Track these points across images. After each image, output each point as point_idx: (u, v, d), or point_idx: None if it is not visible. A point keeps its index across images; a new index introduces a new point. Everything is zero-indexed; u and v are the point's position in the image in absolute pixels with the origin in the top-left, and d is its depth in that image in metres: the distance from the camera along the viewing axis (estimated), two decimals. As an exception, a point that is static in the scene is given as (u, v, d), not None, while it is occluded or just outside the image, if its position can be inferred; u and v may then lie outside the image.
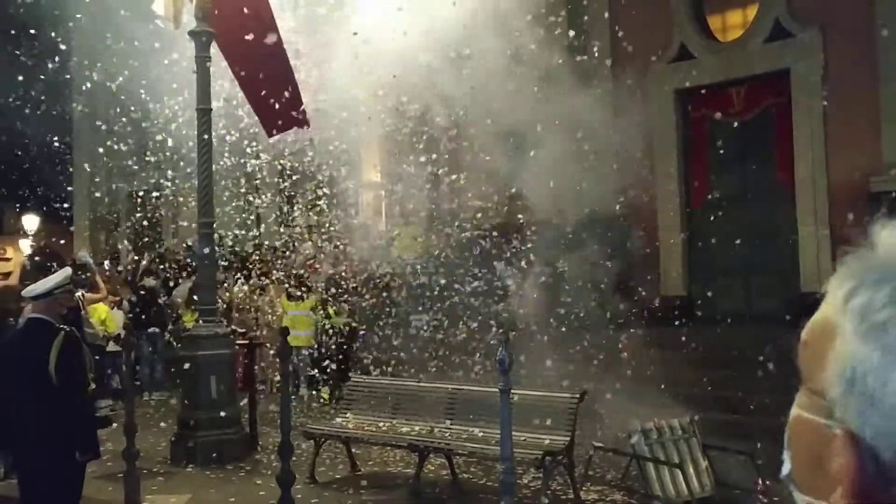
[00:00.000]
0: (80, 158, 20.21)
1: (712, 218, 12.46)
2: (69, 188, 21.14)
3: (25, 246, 24.94)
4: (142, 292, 12.37)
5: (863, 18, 10.97)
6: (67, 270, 5.48)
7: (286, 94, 8.86)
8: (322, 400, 11.59)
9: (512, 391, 6.87)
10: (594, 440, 8.06)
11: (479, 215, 14.19)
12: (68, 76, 15.55)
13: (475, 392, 7.05)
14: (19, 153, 20.80)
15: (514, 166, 13.98)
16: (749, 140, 12.21)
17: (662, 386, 9.82)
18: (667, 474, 6.28)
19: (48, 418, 4.63)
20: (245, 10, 8.37)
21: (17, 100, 16.75)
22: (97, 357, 8.44)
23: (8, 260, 29.09)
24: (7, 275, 17.31)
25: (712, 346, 10.15)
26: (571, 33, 13.06)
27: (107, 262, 14.60)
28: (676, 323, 12.09)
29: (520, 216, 13.77)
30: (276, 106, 8.65)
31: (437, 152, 15.20)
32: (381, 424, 7.16)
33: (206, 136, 8.09)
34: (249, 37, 8.43)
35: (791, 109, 11.61)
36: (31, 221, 23.07)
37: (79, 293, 8.75)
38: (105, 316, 10.92)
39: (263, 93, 8.69)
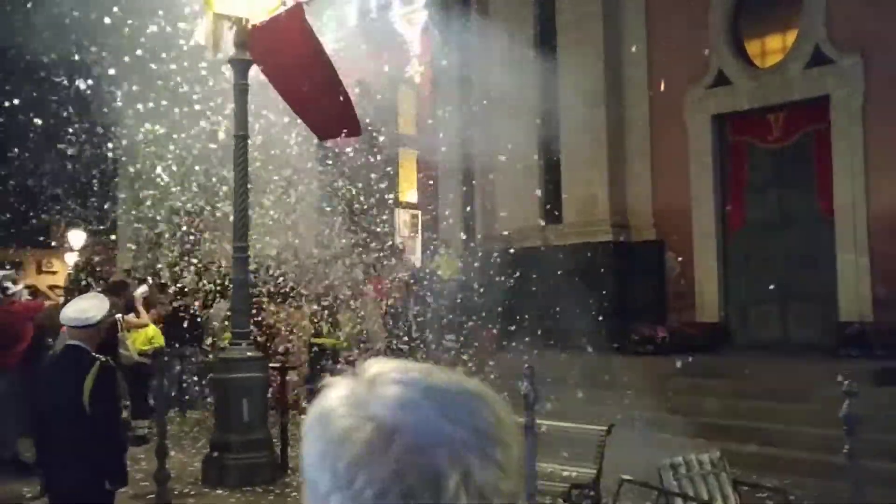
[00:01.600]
0: (124, 174, 20.60)
1: (748, 244, 12.37)
2: (114, 204, 21.55)
3: (71, 260, 25.52)
4: (177, 311, 12.57)
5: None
6: (106, 301, 5.61)
7: (336, 101, 8.90)
8: None
9: (539, 422, 6.94)
10: (623, 472, 8.03)
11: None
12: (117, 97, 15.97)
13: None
14: (67, 167, 21.30)
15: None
16: (787, 166, 12.09)
17: (695, 417, 9.75)
18: (696, 510, 6.21)
19: (80, 446, 4.72)
20: (285, 28, 8.46)
21: (67, 120, 17.22)
22: (137, 376, 8.63)
23: (55, 273, 29.78)
24: (52, 287, 17.71)
25: (747, 376, 10.02)
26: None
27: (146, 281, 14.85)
28: (712, 350, 11.99)
29: (547, 237, 13.79)
30: (326, 113, 8.76)
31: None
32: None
33: (242, 162, 8.23)
34: (291, 50, 8.53)
35: (830, 136, 11.48)
36: (76, 237, 23.57)
37: (118, 315, 8.96)
38: (153, 333, 11.13)
39: (310, 103, 8.77)
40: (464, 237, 15.31)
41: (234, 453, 7.98)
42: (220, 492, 7.78)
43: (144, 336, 10.70)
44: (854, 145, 11.24)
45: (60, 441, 4.86)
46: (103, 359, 4.95)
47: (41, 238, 26.29)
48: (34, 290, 12.25)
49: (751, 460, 8.61)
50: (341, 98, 8.93)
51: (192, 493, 7.80)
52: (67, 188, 22.75)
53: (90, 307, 5.11)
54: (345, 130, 9.52)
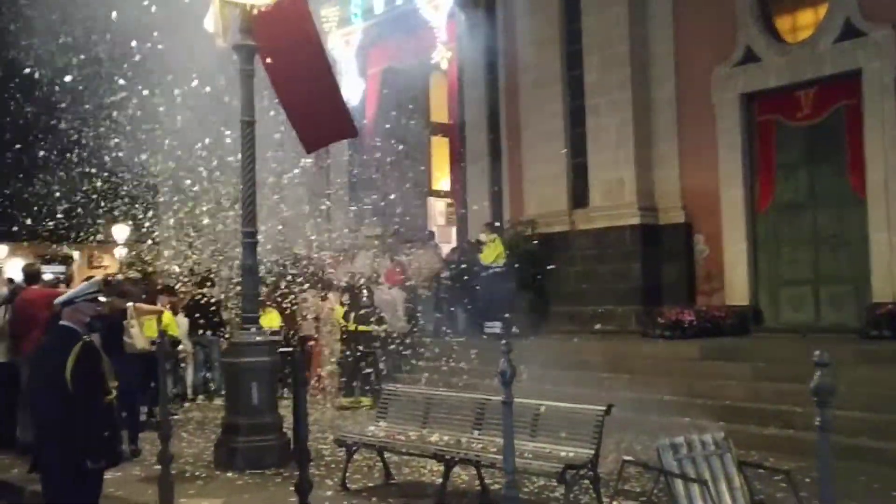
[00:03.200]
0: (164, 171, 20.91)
1: (778, 225, 12.06)
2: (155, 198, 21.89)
3: (120, 254, 26.10)
4: (200, 299, 12.75)
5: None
6: (93, 281, 5.71)
7: (331, 105, 9.00)
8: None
9: (540, 403, 6.86)
10: (630, 453, 7.89)
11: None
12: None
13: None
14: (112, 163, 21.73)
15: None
16: (818, 144, 11.76)
17: (717, 400, 9.54)
18: (696, 492, 6.06)
19: (62, 422, 4.80)
20: (288, 27, 8.53)
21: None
22: (147, 363, 8.75)
23: (105, 268, 30.50)
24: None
25: (771, 359, 9.75)
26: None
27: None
28: (741, 333, 11.74)
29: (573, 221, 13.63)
30: (319, 121, 8.83)
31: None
32: (411, 434, 7.18)
33: (249, 148, 8.28)
34: (292, 51, 8.61)
35: (862, 111, 11.11)
36: (120, 231, 24.08)
37: (129, 304, 9.11)
38: (168, 321, 11.31)
39: (304, 110, 8.86)
40: (496, 223, 15.20)
41: (244, 436, 8.06)
42: (229, 475, 7.86)
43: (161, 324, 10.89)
44: (887, 120, 10.86)
45: (45, 417, 4.95)
46: (87, 338, 5.02)
47: (91, 233, 26.96)
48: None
49: (769, 443, 8.42)
50: (334, 95, 8.99)
51: (203, 475, 7.89)
52: (113, 184, 23.22)
53: (77, 287, 5.21)
54: (338, 134, 9.56)
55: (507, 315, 12.63)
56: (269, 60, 8.69)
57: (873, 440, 8.04)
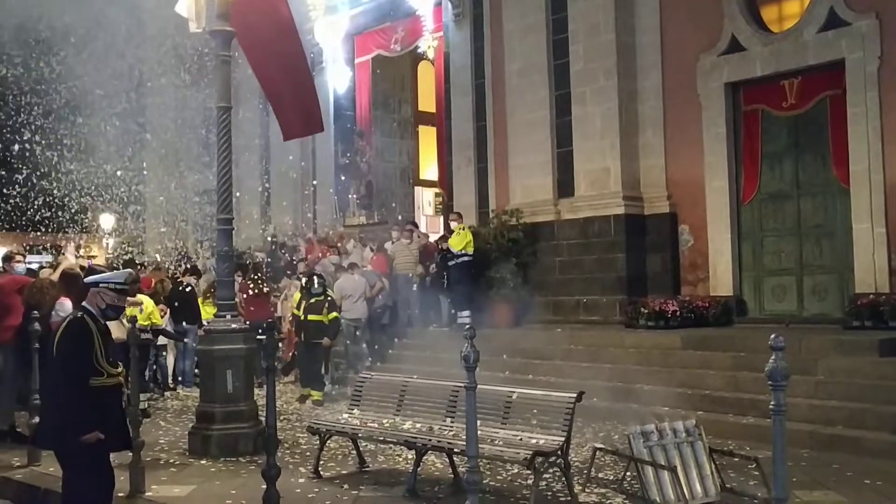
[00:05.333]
0: (150, 159, 20.88)
1: (763, 215, 12.04)
2: (142, 187, 21.86)
3: (108, 244, 26.01)
4: (182, 289, 12.69)
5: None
6: (124, 272, 5.82)
7: (304, 98, 8.96)
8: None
9: (512, 390, 6.83)
10: (608, 442, 7.88)
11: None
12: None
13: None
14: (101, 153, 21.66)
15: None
16: (802, 134, 11.74)
17: (697, 390, 9.52)
18: (667, 478, 6.05)
19: (53, 394, 5.03)
20: (265, 14, 8.49)
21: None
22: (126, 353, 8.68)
23: (94, 258, 30.39)
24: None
25: (752, 349, 9.73)
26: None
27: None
28: (725, 324, 11.73)
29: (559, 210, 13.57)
30: (294, 110, 8.79)
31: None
32: (384, 421, 7.13)
33: (225, 134, 8.20)
34: (271, 40, 8.57)
35: (846, 101, 11.07)
36: (106, 220, 24.03)
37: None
38: (151, 310, 11.25)
39: (281, 97, 8.82)
40: (478, 211, 15.17)
41: (219, 424, 8.01)
42: (203, 462, 7.82)
43: (146, 313, 10.84)
44: (870, 110, 10.83)
45: (45, 391, 5.42)
46: (78, 314, 5.05)
47: (78, 222, 26.90)
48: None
49: (747, 432, 8.41)
50: (308, 93, 8.97)
51: (177, 462, 7.84)
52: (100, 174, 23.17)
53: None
54: (307, 129, 9.53)
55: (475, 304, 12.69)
56: (243, 45, 8.64)
57: (850, 429, 8.04)
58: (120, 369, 5.22)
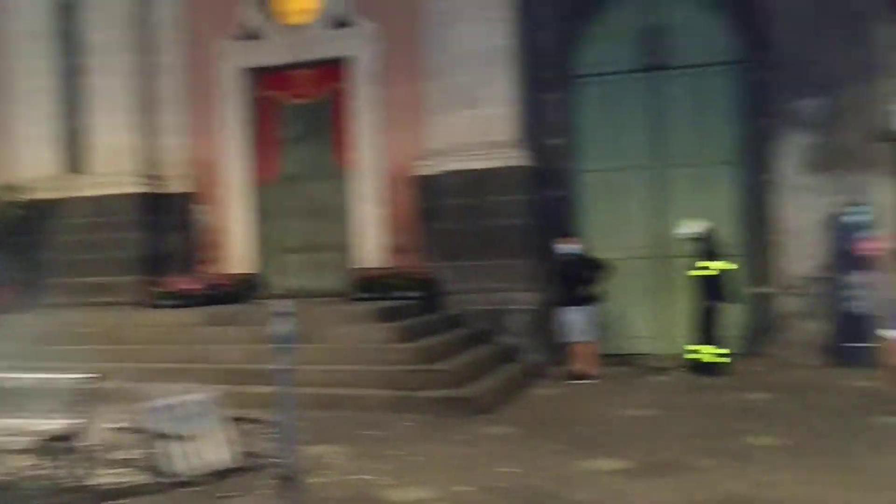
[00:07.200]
0: None
1: (280, 197, 12.70)
2: None
3: None
4: None
5: (414, 13, 11.74)
6: None
7: None
8: None
9: (7, 376, 6.36)
10: (126, 422, 7.73)
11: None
12: None
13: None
14: None
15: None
16: (314, 122, 12.62)
17: (219, 364, 9.75)
18: (180, 449, 6.20)
19: None
20: None
21: None
22: None
23: None
24: None
25: (267, 323, 10.20)
26: None
27: None
28: (245, 300, 12.08)
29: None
30: None
31: None
32: None
33: None
34: None
35: (349, 95, 12.19)
36: None
37: None
38: None
39: None
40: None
41: None
42: None
43: None
44: (368, 104, 12.06)
45: None
46: None
47: None
48: None
49: (267, 400, 8.77)
50: None
51: None
52: None
53: None
54: None
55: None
56: None
57: (354, 389, 8.93)
58: None
